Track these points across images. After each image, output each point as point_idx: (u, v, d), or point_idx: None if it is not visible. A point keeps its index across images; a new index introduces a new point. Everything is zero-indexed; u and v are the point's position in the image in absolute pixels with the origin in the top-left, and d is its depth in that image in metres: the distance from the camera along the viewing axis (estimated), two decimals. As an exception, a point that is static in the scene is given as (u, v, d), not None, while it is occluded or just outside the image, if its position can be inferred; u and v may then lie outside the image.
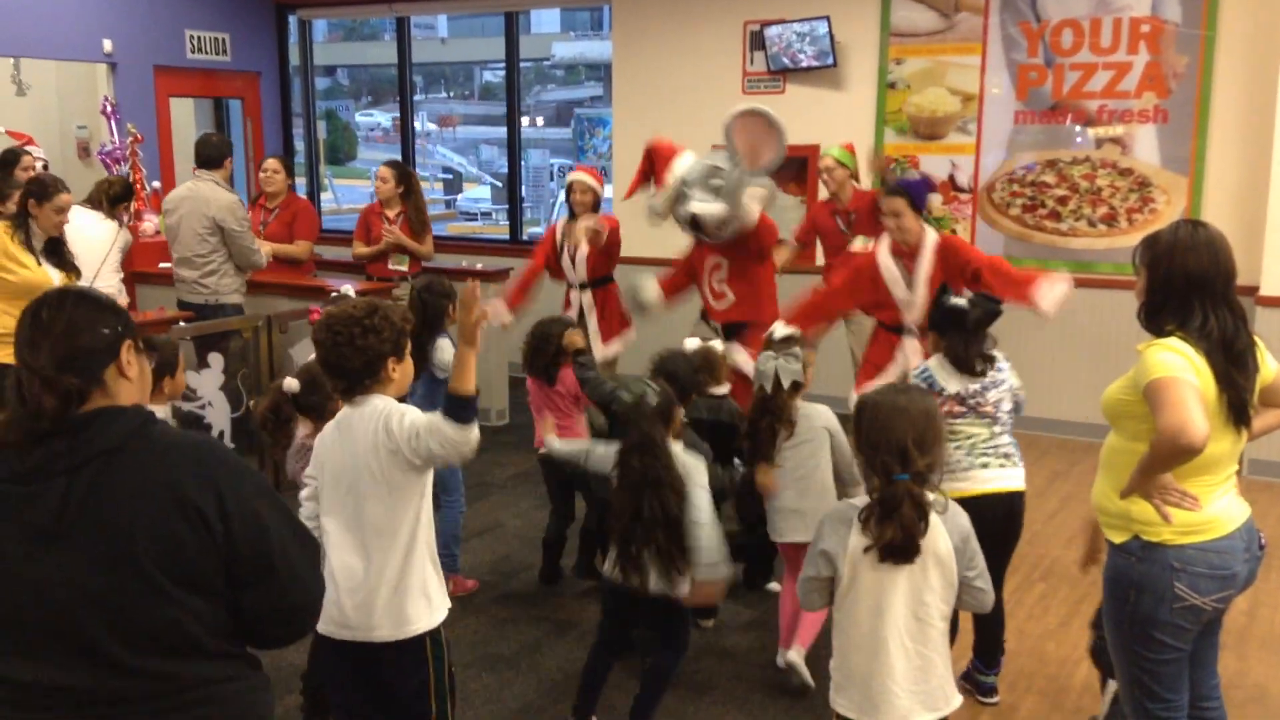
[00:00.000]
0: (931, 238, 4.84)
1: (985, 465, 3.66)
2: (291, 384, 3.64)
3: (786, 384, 3.94)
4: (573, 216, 6.38)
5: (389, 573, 2.75)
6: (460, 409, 2.64)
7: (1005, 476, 3.69)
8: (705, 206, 5.48)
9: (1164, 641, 2.72)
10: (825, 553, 2.71)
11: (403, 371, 2.84)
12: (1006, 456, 3.71)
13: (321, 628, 2.78)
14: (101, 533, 1.77)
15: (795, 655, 3.98)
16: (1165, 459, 2.53)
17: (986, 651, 3.90)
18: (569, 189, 6.38)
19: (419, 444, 2.68)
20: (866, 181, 6.70)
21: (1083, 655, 4.21)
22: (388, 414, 2.74)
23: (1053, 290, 4.48)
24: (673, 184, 5.66)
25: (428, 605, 2.81)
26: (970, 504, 3.20)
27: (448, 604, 2.87)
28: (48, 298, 1.90)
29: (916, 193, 4.92)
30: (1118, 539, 2.78)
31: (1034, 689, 4.00)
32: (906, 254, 4.86)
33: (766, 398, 3.96)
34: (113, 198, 6.29)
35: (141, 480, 1.80)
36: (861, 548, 2.63)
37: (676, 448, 3.54)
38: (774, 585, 4.64)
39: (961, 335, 3.66)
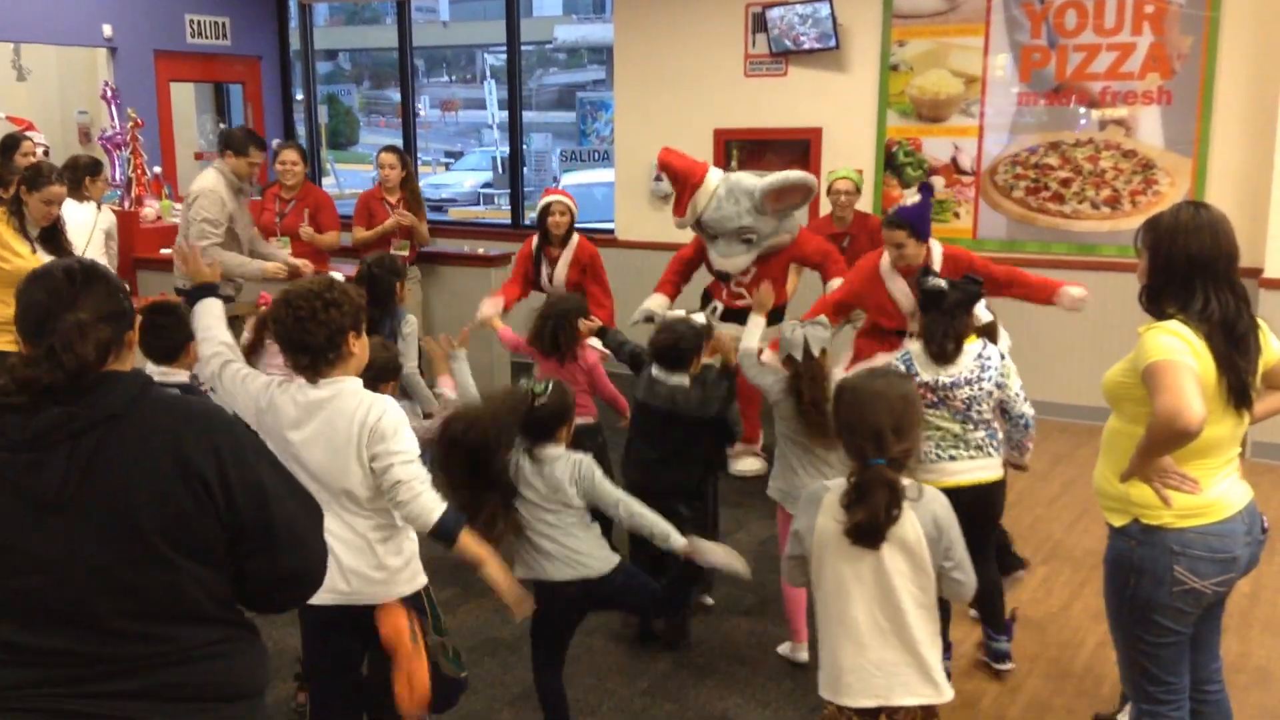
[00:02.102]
0: (937, 251, 4.80)
1: (954, 458, 3.66)
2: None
3: (816, 350, 3.90)
4: (546, 238, 6.21)
5: (362, 541, 2.82)
6: (446, 538, 2.80)
7: (975, 468, 3.67)
8: (732, 262, 5.75)
9: (1164, 625, 2.72)
10: (797, 532, 2.75)
11: (362, 346, 2.83)
12: (978, 449, 3.69)
13: (322, 599, 2.78)
14: (105, 500, 1.77)
15: (803, 655, 4.03)
16: (1162, 442, 2.53)
17: (990, 618, 3.96)
18: (546, 209, 6.13)
19: (391, 492, 2.75)
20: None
21: (1084, 640, 4.22)
22: (377, 430, 2.72)
23: (1073, 290, 4.75)
24: (695, 216, 5.74)
25: (409, 572, 2.92)
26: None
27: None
28: (70, 265, 1.92)
29: (916, 219, 4.81)
30: (1117, 522, 2.78)
31: (1036, 672, 4.01)
32: (911, 276, 4.75)
33: (800, 368, 3.89)
34: (88, 168, 6.30)
35: (145, 447, 1.80)
36: (827, 528, 2.64)
37: (558, 450, 3.38)
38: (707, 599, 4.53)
39: (939, 316, 3.64)
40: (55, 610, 1.78)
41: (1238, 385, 2.61)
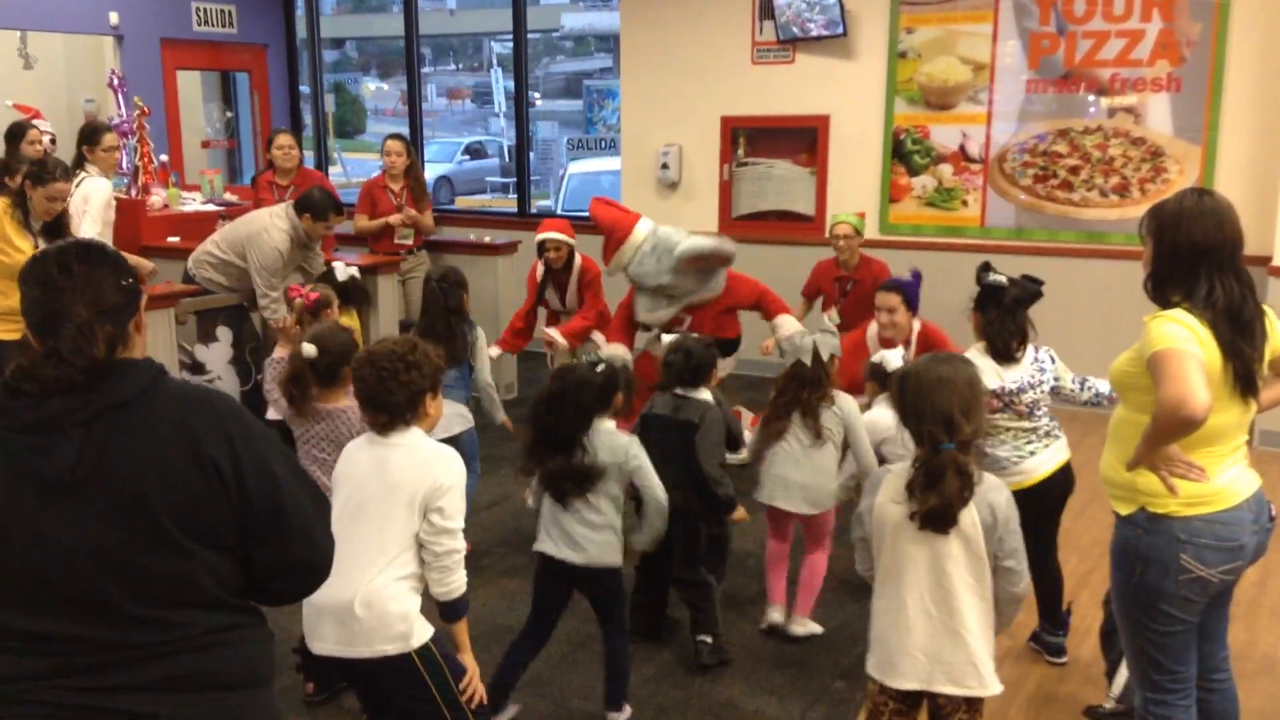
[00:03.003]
0: (915, 327, 5.21)
1: (1034, 453, 3.74)
2: (309, 349, 3.66)
3: (826, 356, 4.01)
4: (548, 270, 6.25)
5: (369, 591, 2.74)
6: (456, 617, 2.88)
7: (1053, 455, 3.79)
8: (654, 316, 5.72)
9: (1170, 614, 2.71)
10: (859, 513, 2.78)
11: (436, 406, 2.91)
12: (1049, 435, 3.80)
13: (316, 647, 2.82)
14: (116, 485, 1.77)
15: (776, 615, 4.17)
16: (1166, 431, 2.52)
17: (1049, 612, 4.00)
18: (542, 246, 6.16)
19: (441, 559, 2.77)
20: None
21: (1090, 626, 4.22)
22: (441, 490, 2.74)
23: None
24: (620, 267, 5.72)
25: (404, 629, 2.77)
26: (1032, 491, 3.52)
27: (429, 628, 2.84)
28: (72, 250, 1.89)
29: (911, 292, 5.16)
30: (1124, 511, 2.77)
31: (1042, 660, 4.00)
32: (892, 344, 5.19)
33: (803, 369, 4.01)
34: (86, 137, 6.26)
35: (156, 432, 1.80)
36: (886, 510, 2.66)
37: (608, 424, 3.54)
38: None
39: (999, 312, 3.70)
40: (66, 594, 1.78)
41: (1243, 373, 2.60)
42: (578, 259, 6.23)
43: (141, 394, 1.82)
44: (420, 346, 2.87)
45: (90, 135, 6.38)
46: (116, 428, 1.78)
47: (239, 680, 1.92)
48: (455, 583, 2.79)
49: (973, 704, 2.71)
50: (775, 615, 4.19)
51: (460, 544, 2.80)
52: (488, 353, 4.91)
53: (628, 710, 3.61)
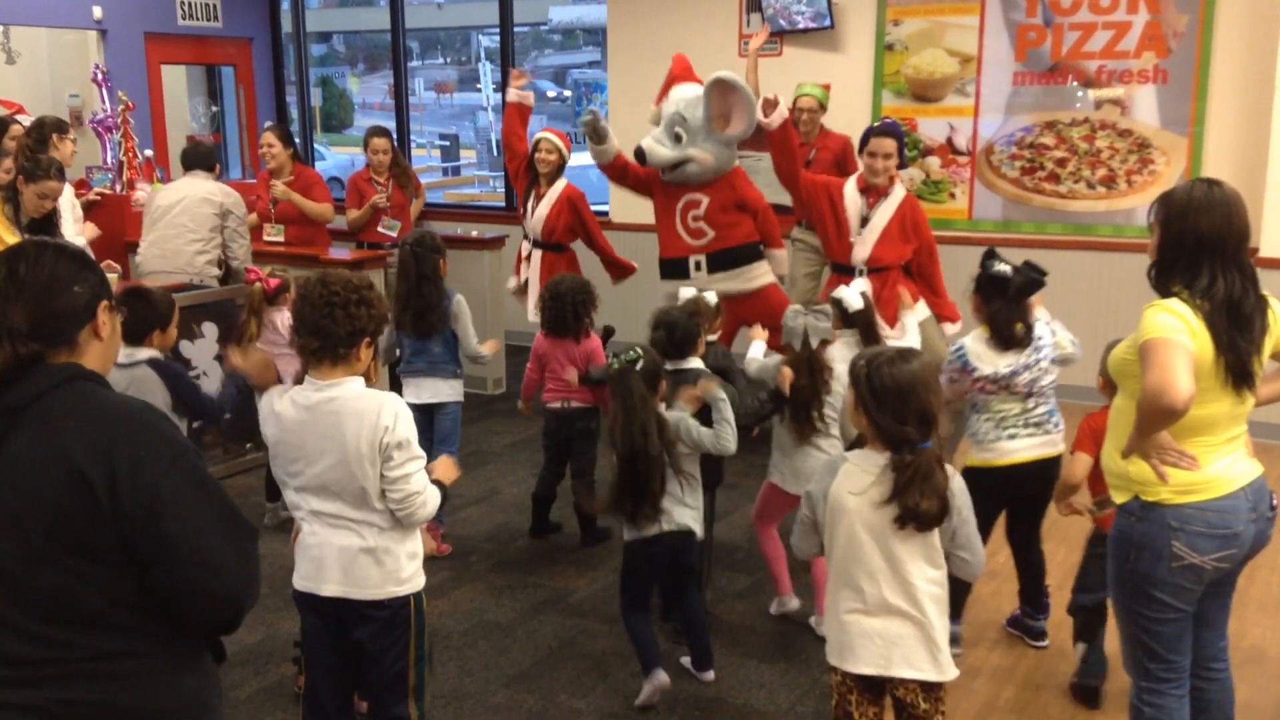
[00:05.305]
0: (900, 189, 5.25)
1: (1013, 437, 3.73)
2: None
3: (815, 342, 3.91)
4: (535, 177, 6.21)
5: (373, 539, 2.78)
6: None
7: (1034, 445, 3.75)
8: (653, 147, 5.66)
9: (1164, 601, 2.71)
10: (810, 494, 2.76)
11: (369, 357, 2.80)
12: (1037, 425, 3.76)
13: (300, 585, 2.84)
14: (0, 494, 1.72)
15: (778, 606, 4.24)
16: (1149, 418, 2.53)
17: (1031, 597, 4.02)
18: (535, 145, 6.19)
19: (404, 504, 2.77)
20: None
21: (1079, 618, 4.23)
22: (392, 439, 2.71)
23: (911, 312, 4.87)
24: (657, 111, 5.82)
25: (413, 569, 2.85)
26: (997, 473, 3.54)
27: (422, 581, 2.91)
28: (25, 251, 1.84)
29: (901, 140, 5.30)
30: (1119, 499, 2.78)
31: (1030, 650, 4.01)
32: (872, 193, 5.25)
33: (803, 356, 3.91)
34: (42, 134, 6.21)
35: (34, 442, 1.74)
36: (842, 499, 2.63)
37: (659, 407, 3.59)
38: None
39: (1004, 302, 3.69)
40: None
41: (1237, 366, 2.60)
42: (563, 181, 6.17)
43: (35, 399, 1.75)
44: (375, 288, 2.77)
45: (59, 125, 6.35)
46: (6, 436, 1.74)
47: (144, 713, 1.81)
48: (423, 516, 2.82)
49: (932, 691, 2.69)
50: (793, 604, 4.24)
51: (423, 481, 2.79)
52: (470, 321, 4.75)
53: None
